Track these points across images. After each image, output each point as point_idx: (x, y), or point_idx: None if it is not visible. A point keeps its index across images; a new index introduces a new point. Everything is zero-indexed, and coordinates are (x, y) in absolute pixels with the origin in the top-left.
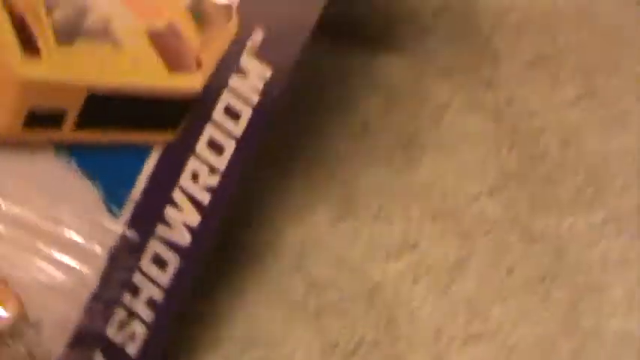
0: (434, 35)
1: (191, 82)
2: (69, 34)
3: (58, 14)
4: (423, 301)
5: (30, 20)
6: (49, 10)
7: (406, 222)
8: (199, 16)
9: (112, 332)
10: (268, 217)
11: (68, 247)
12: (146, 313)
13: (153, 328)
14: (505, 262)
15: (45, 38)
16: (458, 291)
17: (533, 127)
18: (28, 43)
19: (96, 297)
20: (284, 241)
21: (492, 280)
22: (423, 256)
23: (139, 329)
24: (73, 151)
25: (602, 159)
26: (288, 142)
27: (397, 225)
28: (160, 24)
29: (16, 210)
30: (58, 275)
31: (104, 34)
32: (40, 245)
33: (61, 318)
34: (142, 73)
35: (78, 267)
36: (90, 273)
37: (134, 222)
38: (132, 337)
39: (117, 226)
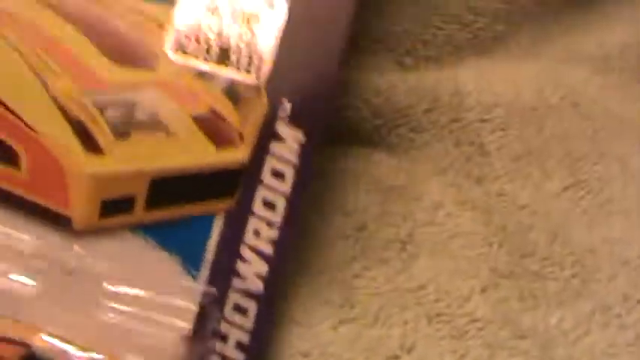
0: (425, 133)
1: (238, 155)
2: (124, 129)
3: (110, 113)
4: None
5: (86, 122)
6: (101, 111)
7: (403, 325)
8: (234, 97)
9: None
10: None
11: (164, 309)
12: (237, 355)
13: None
14: (497, 359)
15: (103, 136)
16: None
17: (522, 222)
18: (89, 143)
19: (192, 349)
20: (287, 346)
21: None
22: (421, 358)
23: None
24: (147, 229)
25: (588, 249)
26: None
27: (395, 328)
28: (202, 109)
29: (115, 288)
30: (161, 334)
31: (155, 124)
32: (142, 313)
33: None
34: (194, 153)
35: (176, 324)
36: (186, 328)
37: (212, 280)
38: None
39: (198, 286)
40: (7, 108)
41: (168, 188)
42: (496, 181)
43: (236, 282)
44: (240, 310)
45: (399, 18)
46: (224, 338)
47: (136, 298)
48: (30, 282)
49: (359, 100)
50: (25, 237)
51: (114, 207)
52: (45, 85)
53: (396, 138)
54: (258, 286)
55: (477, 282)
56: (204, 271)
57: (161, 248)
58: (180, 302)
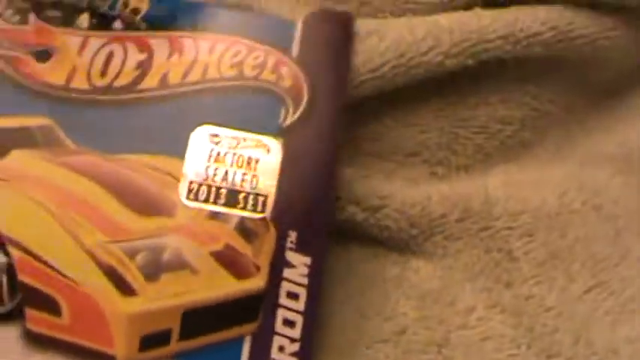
0: (458, 241)
1: (255, 283)
2: (153, 271)
3: (140, 259)
4: None
5: (119, 269)
6: (131, 257)
7: None
8: (245, 232)
9: None
10: None
11: None
12: None
13: None
14: None
15: (136, 279)
16: None
17: (548, 324)
18: (123, 287)
19: None
20: None
21: None
22: None
23: None
24: (184, 357)
25: (611, 349)
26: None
27: None
28: (219, 246)
29: None
30: None
31: (180, 264)
32: None
33: None
34: (218, 286)
35: None
36: None
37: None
38: None
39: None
40: (46, 263)
41: (199, 319)
42: (524, 284)
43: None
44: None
45: (430, 131)
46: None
47: None
48: None
49: (397, 212)
50: None
51: (152, 341)
52: (78, 239)
53: (431, 246)
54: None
55: None
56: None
57: None
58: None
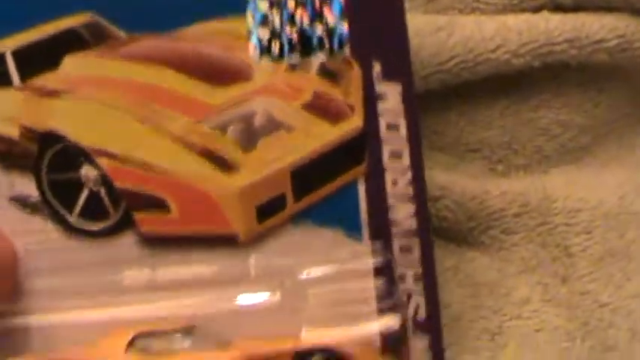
0: (515, 235)
1: (354, 124)
2: (249, 141)
3: (232, 131)
4: None
5: (214, 148)
6: (223, 132)
7: None
8: (328, 75)
9: None
10: None
11: (349, 276)
12: (415, 286)
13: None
14: None
15: (233, 153)
16: None
17: (603, 319)
18: (222, 164)
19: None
20: None
21: None
22: None
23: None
24: (305, 216)
25: None
26: None
27: None
28: (306, 97)
29: (306, 275)
30: (356, 299)
31: (273, 125)
32: (335, 287)
33: None
34: (317, 137)
35: (363, 286)
36: (369, 287)
37: (375, 235)
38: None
39: (366, 247)
40: (138, 164)
41: (308, 176)
42: (580, 280)
43: (395, 229)
44: (406, 249)
45: (493, 129)
46: (402, 277)
47: (324, 277)
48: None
49: (455, 204)
50: (204, 267)
51: (268, 210)
52: (162, 130)
53: (488, 239)
54: (413, 224)
55: None
56: (366, 231)
57: (323, 227)
58: (358, 265)
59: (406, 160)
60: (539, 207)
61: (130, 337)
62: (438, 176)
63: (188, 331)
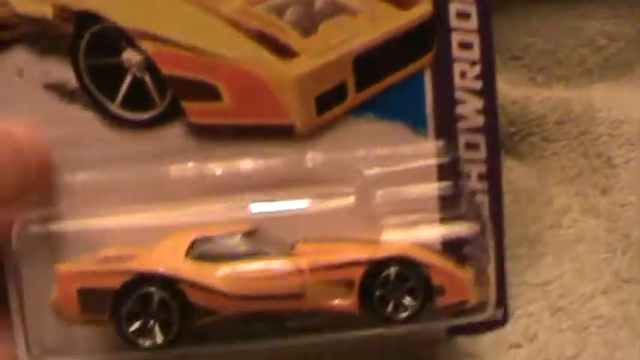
0: (556, 143)
1: (422, 9)
2: (309, 25)
3: (291, 14)
4: None
5: (270, 32)
6: (280, 14)
7: (528, 316)
8: None
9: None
10: None
11: (413, 173)
12: (480, 185)
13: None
14: (615, 357)
15: (291, 38)
16: None
17: None
18: (280, 49)
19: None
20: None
21: None
22: (541, 348)
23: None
24: (367, 109)
25: None
26: None
27: (520, 319)
28: None
29: (371, 171)
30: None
31: (336, 9)
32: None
33: None
34: (383, 22)
35: (428, 181)
36: (435, 182)
37: (440, 130)
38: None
39: (431, 142)
40: (187, 48)
41: (372, 64)
42: (621, 192)
43: (461, 124)
44: (472, 146)
45: (536, 35)
46: (468, 176)
47: (388, 174)
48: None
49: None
50: (258, 162)
51: (327, 99)
52: (214, 11)
53: (528, 146)
54: (479, 120)
55: (599, 284)
56: (431, 126)
57: (386, 120)
58: (422, 161)
59: (476, 51)
60: (583, 115)
61: (189, 242)
62: None
63: (249, 235)
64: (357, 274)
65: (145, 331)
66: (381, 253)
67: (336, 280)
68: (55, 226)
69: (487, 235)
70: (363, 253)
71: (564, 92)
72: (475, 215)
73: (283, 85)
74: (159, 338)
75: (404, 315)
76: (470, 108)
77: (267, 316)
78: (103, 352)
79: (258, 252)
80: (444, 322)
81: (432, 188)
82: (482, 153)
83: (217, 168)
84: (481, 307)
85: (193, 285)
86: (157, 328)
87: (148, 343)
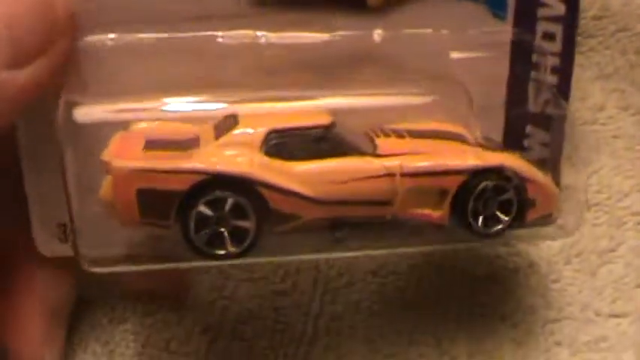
0: (592, 38)
1: None
2: None
3: None
4: (573, 279)
5: None
6: None
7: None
8: None
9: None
10: None
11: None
12: (552, 79)
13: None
14: None
15: None
16: (606, 274)
17: None
18: None
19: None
20: None
21: (639, 267)
22: (577, 241)
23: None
24: None
25: None
26: None
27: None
28: None
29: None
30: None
31: None
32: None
33: None
34: None
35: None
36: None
37: (518, 18)
38: (547, 102)
39: (509, 27)
40: None
41: None
42: None
43: (540, 12)
44: (549, 36)
45: None
46: (537, 67)
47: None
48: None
49: None
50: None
51: None
52: None
53: None
54: (560, 8)
55: (637, 181)
56: (510, 13)
57: (465, 1)
58: (495, 40)
59: None
60: (621, 12)
61: (263, 134)
62: None
63: (329, 128)
64: (455, 183)
65: (216, 239)
66: (481, 162)
67: (429, 188)
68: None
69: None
70: (463, 161)
71: None
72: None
73: None
74: (231, 247)
75: (494, 229)
76: None
77: (352, 223)
78: (163, 258)
79: (343, 150)
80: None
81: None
82: (557, 45)
83: (273, 38)
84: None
85: (274, 188)
86: (229, 236)
87: (219, 251)
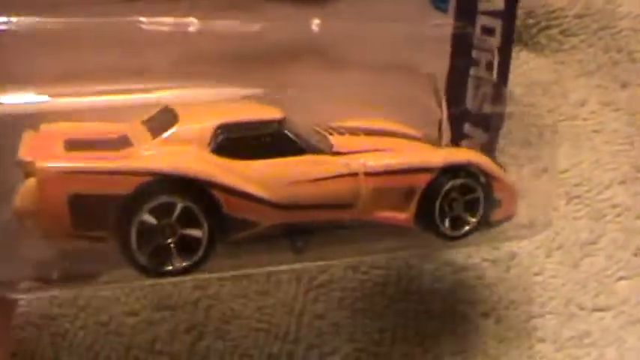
0: (575, 37)
1: None
2: None
3: None
4: (555, 272)
5: None
6: None
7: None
8: None
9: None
10: None
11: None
12: (488, 75)
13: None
14: (633, 244)
15: None
16: (588, 266)
17: None
18: None
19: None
20: None
21: (620, 259)
22: (557, 234)
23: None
24: None
25: None
26: None
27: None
28: None
29: None
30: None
31: None
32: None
33: None
34: None
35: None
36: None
37: (459, 13)
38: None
39: (449, 19)
40: None
41: None
42: None
43: (481, 6)
44: (488, 30)
45: None
46: (476, 63)
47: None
48: None
49: None
50: None
51: None
52: None
53: (545, 39)
54: (500, 4)
55: (617, 174)
56: (452, 7)
57: None
58: (437, 37)
59: None
60: (604, 10)
61: (211, 129)
62: None
63: (279, 124)
64: (423, 182)
65: (162, 252)
66: (449, 158)
67: (395, 188)
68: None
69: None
70: (430, 158)
71: None
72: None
73: None
74: (179, 261)
75: (461, 231)
76: None
77: (311, 230)
78: (102, 276)
79: (299, 147)
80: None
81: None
82: (496, 40)
83: (203, 25)
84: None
85: (228, 190)
86: (178, 248)
87: (165, 267)
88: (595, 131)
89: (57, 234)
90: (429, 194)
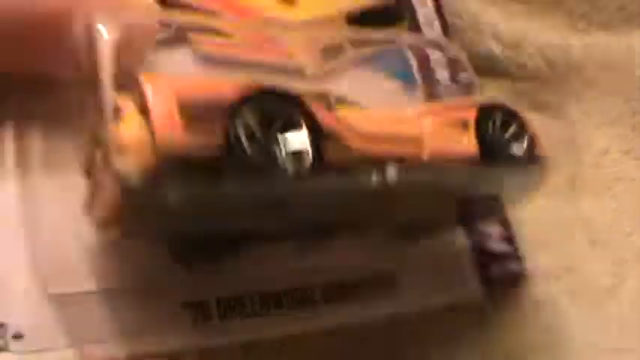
0: (596, 87)
1: None
2: None
3: None
4: (578, 316)
5: None
6: None
7: (568, 247)
8: None
9: None
10: None
11: None
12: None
13: None
14: None
15: None
16: (611, 310)
17: None
18: None
19: None
20: None
21: None
22: (581, 277)
23: None
24: None
25: None
26: None
27: (560, 249)
28: None
29: None
30: None
31: None
32: None
33: None
34: None
35: None
36: None
37: None
38: None
39: None
40: None
41: None
42: None
43: None
44: None
45: None
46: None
47: None
48: None
49: (536, 50)
50: None
51: None
52: None
53: (570, 89)
54: None
55: (639, 222)
56: None
57: None
58: None
59: None
60: (623, 60)
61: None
62: (519, 24)
63: None
64: (471, 114)
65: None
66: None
67: (452, 121)
68: None
69: None
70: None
71: (604, 38)
72: None
73: None
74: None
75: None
76: None
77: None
78: None
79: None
80: None
81: None
82: None
83: None
84: None
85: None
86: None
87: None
88: (616, 179)
89: (168, 142)
90: (480, 124)
